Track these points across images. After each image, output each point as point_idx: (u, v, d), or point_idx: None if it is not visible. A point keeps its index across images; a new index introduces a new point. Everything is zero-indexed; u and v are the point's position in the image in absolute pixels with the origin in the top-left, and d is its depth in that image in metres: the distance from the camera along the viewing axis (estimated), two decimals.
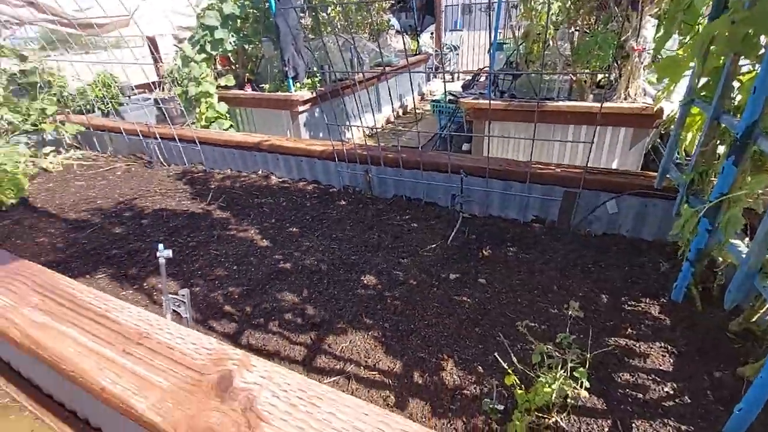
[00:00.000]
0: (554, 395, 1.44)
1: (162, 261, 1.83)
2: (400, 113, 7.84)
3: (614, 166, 3.96)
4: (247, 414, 1.06)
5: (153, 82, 6.35)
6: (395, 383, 1.78)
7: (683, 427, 1.49)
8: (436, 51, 9.22)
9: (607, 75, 3.72)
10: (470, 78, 5.31)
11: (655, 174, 2.43)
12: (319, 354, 1.97)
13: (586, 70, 3.80)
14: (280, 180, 4.00)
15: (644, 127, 3.67)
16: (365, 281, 2.45)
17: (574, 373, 1.47)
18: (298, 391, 1.13)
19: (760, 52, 1.45)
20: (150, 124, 4.71)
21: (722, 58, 1.69)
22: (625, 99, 3.67)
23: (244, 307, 2.32)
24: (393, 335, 2.03)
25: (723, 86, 1.70)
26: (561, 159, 4.18)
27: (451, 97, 5.19)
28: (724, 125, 1.75)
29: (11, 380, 1.97)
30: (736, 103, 1.74)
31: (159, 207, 3.59)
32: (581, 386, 1.44)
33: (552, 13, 4.11)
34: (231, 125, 5.53)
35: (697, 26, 1.85)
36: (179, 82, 5.40)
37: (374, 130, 4.89)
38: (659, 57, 2.93)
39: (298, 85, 5.44)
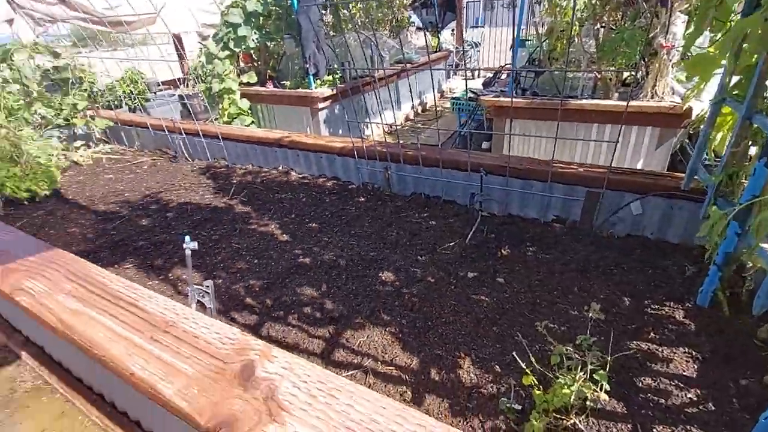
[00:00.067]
0: (573, 397, 1.43)
1: (188, 252, 1.89)
2: (420, 110, 7.82)
3: (639, 166, 3.86)
4: (268, 403, 1.09)
5: (178, 79, 6.51)
6: (412, 379, 1.80)
7: None
8: (457, 48, 9.14)
9: (633, 73, 3.63)
10: (491, 75, 5.25)
11: (683, 175, 2.37)
12: (337, 348, 2.00)
13: (611, 68, 3.71)
14: (300, 176, 4.05)
15: (671, 127, 3.56)
16: (383, 277, 2.47)
17: (593, 375, 1.45)
18: (318, 382, 1.15)
19: None
20: (175, 120, 4.83)
21: (755, 56, 1.64)
22: (652, 97, 3.56)
23: (264, 300, 2.37)
24: (410, 332, 2.05)
25: (756, 85, 1.65)
26: (584, 158, 4.09)
27: (472, 95, 5.15)
28: (756, 125, 1.70)
29: (44, 363, 2.07)
30: None
31: (183, 200, 3.69)
32: (601, 389, 1.42)
33: (577, 9, 4.02)
34: (252, 121, 5.62)
35: (729, 23, 1.80)
36: (203, 79, 5.52)
37: (394, 127, 4.89)
38: (689, 54, 2.85)
39: (318, 82, 5.48)
